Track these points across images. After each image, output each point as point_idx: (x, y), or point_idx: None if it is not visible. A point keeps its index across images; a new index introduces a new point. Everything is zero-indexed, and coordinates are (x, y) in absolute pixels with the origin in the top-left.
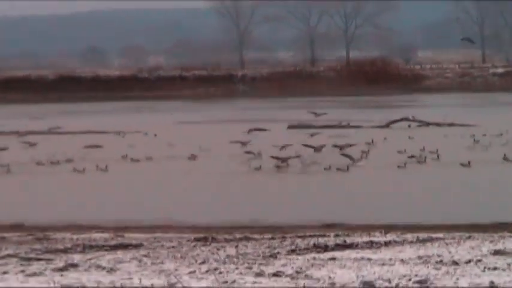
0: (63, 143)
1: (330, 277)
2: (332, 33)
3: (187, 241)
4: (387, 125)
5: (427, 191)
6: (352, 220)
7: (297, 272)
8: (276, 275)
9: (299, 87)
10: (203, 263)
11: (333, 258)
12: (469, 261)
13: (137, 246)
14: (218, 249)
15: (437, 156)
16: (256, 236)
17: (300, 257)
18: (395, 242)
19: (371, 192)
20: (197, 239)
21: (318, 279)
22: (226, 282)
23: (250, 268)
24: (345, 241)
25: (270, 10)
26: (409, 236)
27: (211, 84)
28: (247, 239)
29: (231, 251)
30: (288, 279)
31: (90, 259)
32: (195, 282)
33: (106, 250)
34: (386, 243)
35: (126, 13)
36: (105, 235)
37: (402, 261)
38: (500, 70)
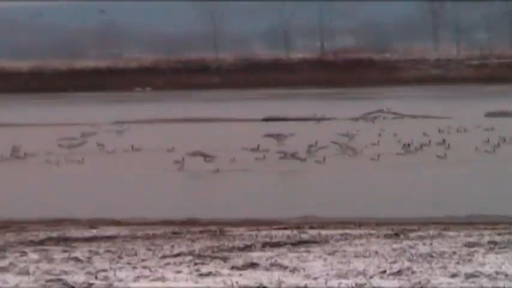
0: (38, 135)
1: (304, 269)
2: (307, 24)
3: (163, 233)
4: (362, 117)
5: (402, 183)
6: (326, 213)
7: (272, 265)
8: (250, 267)
9: (274, 78)
10: (178, 255)
11: (308, 251)
12: (444, 253)
13: (112, 238)
14: (193, 242)
15: (414, 148)
16: (231, 228)
17: (274, 249)
18: (370, 234)
19: (346, 184)
20: (173, 232)
21: (293, 271)
22: (202, 274)
23: (226, 260)
24: (319, 234)
25: (244, 3)
26: (383, 229)
27: (186, 75)
28: (222, 231)
29: (207, 243)
30: (263, 271)
31: (66, 251)
32: (170, 275)
33: (81, 242)
34: (361, 236)
35: (102, 4)
36: (80, 227)
37: (377, 253)
38: (474, 62)
